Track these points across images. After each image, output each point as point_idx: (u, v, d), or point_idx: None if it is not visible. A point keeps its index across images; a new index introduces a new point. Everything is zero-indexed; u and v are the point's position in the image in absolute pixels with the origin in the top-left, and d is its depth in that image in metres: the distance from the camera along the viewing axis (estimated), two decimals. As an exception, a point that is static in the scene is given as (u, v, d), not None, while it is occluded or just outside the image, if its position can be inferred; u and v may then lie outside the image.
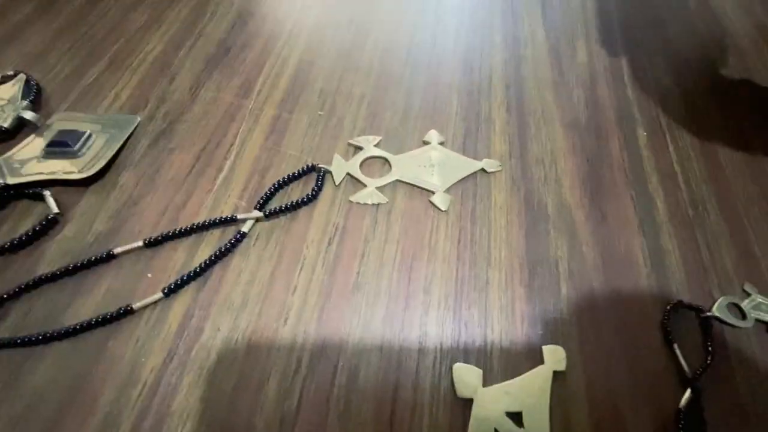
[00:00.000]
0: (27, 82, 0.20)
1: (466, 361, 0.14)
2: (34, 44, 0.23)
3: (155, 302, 0.15)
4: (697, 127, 0.21)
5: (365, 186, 0.18)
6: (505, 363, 0.14)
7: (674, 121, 0.21)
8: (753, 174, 0.19)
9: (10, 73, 0.21)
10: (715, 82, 0.23)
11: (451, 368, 0.14)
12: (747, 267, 0.17)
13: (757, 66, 0.24)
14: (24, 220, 0.17)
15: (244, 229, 0.16)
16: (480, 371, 0.13)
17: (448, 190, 0.18)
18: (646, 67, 0.23)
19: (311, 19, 0.25)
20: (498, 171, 0.19)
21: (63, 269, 0.15)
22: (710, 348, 0.14)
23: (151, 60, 0.23)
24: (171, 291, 0.15)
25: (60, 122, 0.19)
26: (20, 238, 0.16)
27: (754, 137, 0.21)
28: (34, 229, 0.16)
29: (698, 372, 0.14)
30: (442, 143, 0.19)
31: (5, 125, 0.18)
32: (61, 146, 0.18)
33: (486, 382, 0.13)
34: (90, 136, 0.18)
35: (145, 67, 0.22)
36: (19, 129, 0.19)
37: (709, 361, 0.14)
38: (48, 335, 0.14)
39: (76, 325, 0.14)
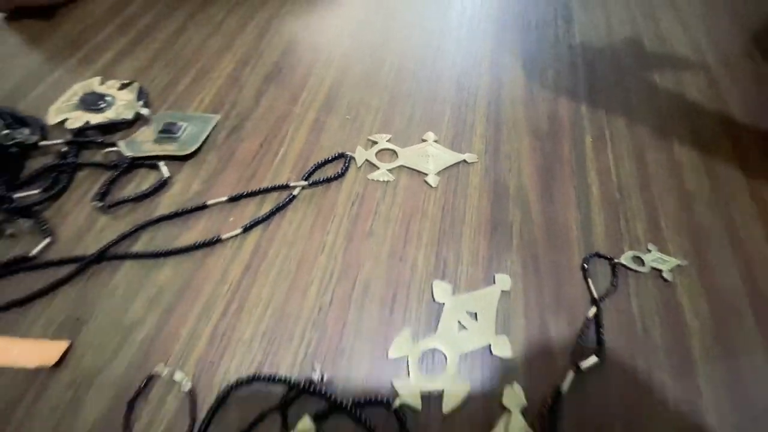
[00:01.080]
0: (139, 88, 0.28)
1: (441, 281, 0.20)
2: (140, 61, 0.31)
3: (236, 235, 0.22)
4: (632, 137, 0.27)
5: (378, 168, 0.25)
6: (468, 284, 0.20)
7: (615, 131, 0.28)
8: (672, 171, 0.26)
9: (127, 81, 0.29)
10: (653, 104, 0.30)
11: (431, 284, 0.20)
12: (653, 234, 0.23)
13: (692, 92, 0.30)
14: (145, 181, 0.24)
15: (294, 192, 0.23)
16: (450, 286, 0.20)
17: (438, 174, 0.25)
18: (599, 90, 0.30)
19: (341, 49, 0.33)
20: (475, 162, 0.25)
21: (174, 213, 0.22)
22: (614, 283, 0.21)
23: (225, 75, 0.30)
24: (246, 229, 0.22)
25: (163, 117, 0.27)
26: (144, 193, 0.23)
27: (678, 145, 0.27)
28: (153, 188, 0.23)
29: (603, 296, 0.20)
30: (436, 141, 0.26)
31: (129, 118, 0.26)
32: (167, 133, 0.25)
33: (454, 293, 0.20)
34: (186, 127, 0.26)
35: (221, 80, 0.30)
36: (136, 121, 0.27)
37: (612, 290, 0.20)
38: (167, 252, 0.21)
39: (185, 247, 0.21)
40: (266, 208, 0.23)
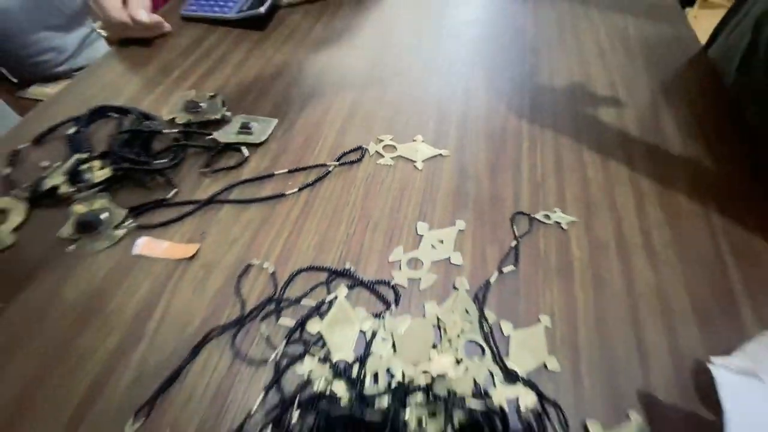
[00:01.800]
0: (222, 99, 0.41)
1: (422, 222, 0.33)
2: (218, 81, 0.44)
3: (293, 192, 0.34)
4: (555, 145, 0.41)
5: (384, 157, 0.38)
6: (438, 225, 0.33)
7: (544, 140, 0.41)
8: (580, 167, 0.39)
9: (212, 94, 0.42)
10: (573, 124, 0.43)
11: (416, 224, 0.33)
12: (560, 203, 0.35)
13: (603, 117, 0.44)
14: (232, 159, 0.36)
15: (329, 169, 0.36)
16: (427, 225, 0.33)
17: (423, 162, 0.37)
18: (537, 113, 0.44)
19: (359, 77, 0.46)
20: (448, 155, 0.38)
21: (251, 179, 0.35)
22: (529, 230, 0.33)
23: (278, 93, 0.43)
24: (300, 189, 0.34)
25: (240, 119, 0.40)
26: (232, 166, 0.35)
27: (587, 150, 0.40)
28: (238, 163, 0.36)
29: (522, 235, 0.33)
30: (423, 141, 0.39)
31: (217, 117, 0.39)
32: (245, 128, 0.38)
33: (429, 230, 0.32)
34: (256, 126, 0.39)
35: (276, 97, 0.43)
36: (221, 121, 0.39)
37: (527, 232, 0.33)
38: (251, 200, 0.33)
39: (262, 197, 0.33)
40: (311, 178, 0.35)
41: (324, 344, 0.25)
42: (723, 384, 0.22)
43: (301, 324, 0.26)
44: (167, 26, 0.48)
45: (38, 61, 0.92)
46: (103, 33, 0.49)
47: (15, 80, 0.94)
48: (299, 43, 0.50)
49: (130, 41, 0.48)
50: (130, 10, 0.43)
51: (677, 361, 0.26)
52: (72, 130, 0.36)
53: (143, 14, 0.44)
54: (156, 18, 0.46)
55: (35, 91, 0.93)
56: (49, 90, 0.93)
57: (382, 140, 0.39)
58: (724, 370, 0.23)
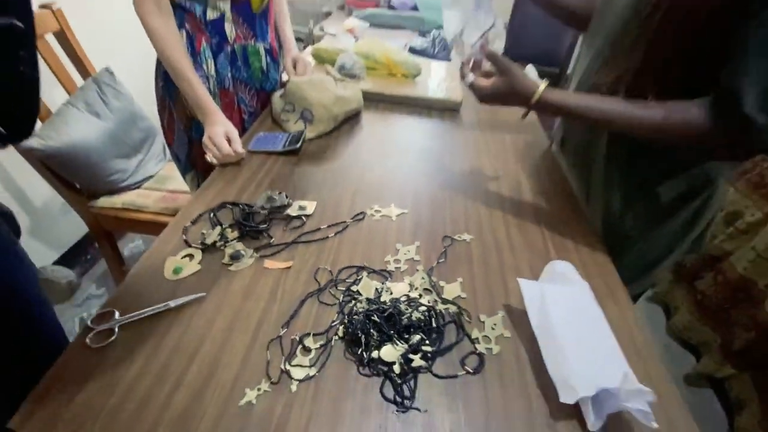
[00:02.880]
0: (285, 193, 0.75)
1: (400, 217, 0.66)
2: (279, 182, 0.79)
3: (332, 236, 0.67)
4: (465, 199, 0.77)
5: (375, 215, 0.72)
6: (406, 244, 0.66)
7: (456, 198, 0.77)
8: (474, 208, 0.74)
9: (279, 191, 0.76)
10: (474, 186, 0.80)
11: (396, 245, 0.66)
12: (466, 229, 0.70)
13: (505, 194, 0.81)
14: (296, 222, 0.69)
15: (348, 223, 0.70)
16: (401, 244, 0.66)
17: (395, 216, 0.72)
18: (456, 186, 0.81)
19: (356, 175, 0.83)
20: (408, 212, 0.73)
21: (310, 231, 0.67)
22: (450, 243, 0.67)
23: (315, 186, 0.79)
24: (335, 234, 0.67)
25: (296, 203, 0.73)
26: (297, 226, 0.68)
27: (481, 199, 0.76)
28: (302, 224, 0.69)
29: (447, 246, 0.66)
30: (394, 206, 0.74)
31: (285, 204, 0.73)
32: (301, 208, 0.72)
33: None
34: (306, 204, 0.73)
35: (313, 189, 0.78)
36: (287, 205, 0.73)
37: (449, 245, 0.67)
38: (310, 240, 0.65)
39: (315, 239, 0.66)
40: (339, 228, 0.68)
41: (360, 294, 0.56)
42: (524, 287, 0.54)
43: (348, 288, 0.57)
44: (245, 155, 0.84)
45: (108, 180, 1.26)
46: (215, 161, 0.83)
47: (85, 193, 1.26)
48: (320, 158, 0.87)
49: (223, 165, 0.83)
50: (234, 147, 0.79)
51: (516, 278, 0.59)
52: (211, 214, 0.68)
53: (241, 149, 0.80)
54: (244, 151, 0.82)
55: (103, 202, 1.25)
56: (115, 200, 1.25)
57: (372, 207, 0.74)
58: (525, 282, 0.55)
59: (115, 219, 1.24)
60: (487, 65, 0.67)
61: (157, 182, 1.32)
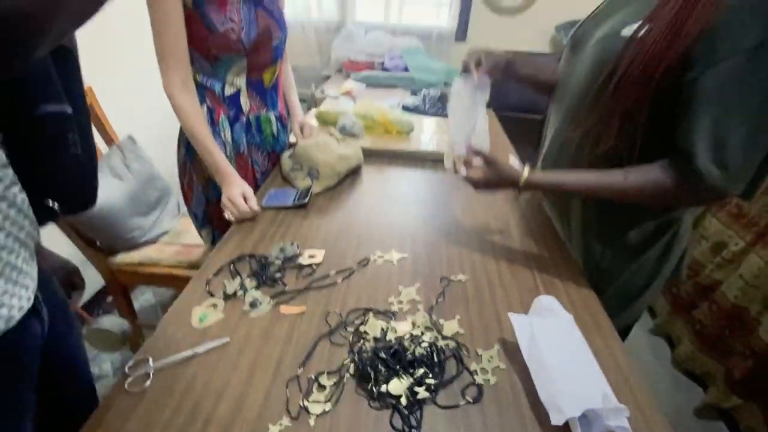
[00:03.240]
0: (297, 244, 0.83)
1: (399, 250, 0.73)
2: (291, 234, 0.87)
3: (340, 282, 0.74)
4: (459, 245, 0.84)
5: (377, 260, 0.80)
6: (407, 285, 0.73)
7: (452, 244, 0.85)
8: (468, 252, 0.82)
9: (291, 242, 0.84)
10: (467, 235, 0.88)
11: (398, 287, 0.73)
12: (461, 271, 0.77)
13: (495, 240, 0.90)
14: (308, 269, 0.77)
15: (354, 269, 0.77)
16: (403, 286, 0.73)
17: (396, 260, 0.79)
18: (453, 236, 0.89)
19: (361, 222, 0.91)
20: (407, 256, 0.81)
21: (320, 277, 0.75)
22: (447, 284, 0.74)
23: (321, 236, 0.87)
24: (342, 279, 0.74)
25: (307, 251, 0.81)
26: (309, 273, 0.76)
27: (476, 246, 0.84)
28: (312, 271, 0.76)
29: (445, 287, 0.73)
30: (395, 250, 0.82)
31: (296, 253, 0.80)
32: (311, 256, 0.79)
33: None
34: (315, 252, 0.80)
35: (320, 238, 0.86)
36: (299, 254, 0.81)
37: (446, 285, 0.73)
38: (321, 286, 0.72)
39: (326, 285, 0.73)
40: (347, 273, 0.76)
41: (367, 333, 0.62)
42: (515, 321, 0.61)
43: (356, 329, 0.63)
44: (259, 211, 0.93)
45: (127, 237, 1.34)
46: (232, 218, 0.92)
47: (104, 250, 1.33)
48: (326, 210, 0.96)
49: (244, 220, 0.92)
50: (250, 205, 0.89)
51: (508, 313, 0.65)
52: (231, 266, 0.76)
53: (256, 206, 0.89)
54: (258, 208, 0.91)
55: (122, 258, 1.32)
56: (133, 255, 1.33)
57: (375, 253, 0.81)
58: (515, 316, 0.62)
59: (132, 273, 1.31)
60: (476, 161, 0.77)
61: (172, 237, 1.41)
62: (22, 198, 0.42)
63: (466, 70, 0.86)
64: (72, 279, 0.64)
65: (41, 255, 0.48)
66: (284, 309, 0.68)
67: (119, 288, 1.38)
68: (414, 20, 2.30)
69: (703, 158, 0.56)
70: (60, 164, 0.48)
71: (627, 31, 0.62)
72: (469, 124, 0.82)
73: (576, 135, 0.74)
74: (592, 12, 0.76)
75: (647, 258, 0.78)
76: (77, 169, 0.49)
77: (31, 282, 0.43)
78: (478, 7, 2.24)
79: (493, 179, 0.75)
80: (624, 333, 0.93)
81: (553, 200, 0.93)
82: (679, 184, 0.60)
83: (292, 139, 1.19)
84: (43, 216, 0.46)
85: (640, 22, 0.60)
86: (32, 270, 0.44)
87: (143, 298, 1.83)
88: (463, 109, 0.83)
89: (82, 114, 0.51)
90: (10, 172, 0.41)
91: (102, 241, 1.33)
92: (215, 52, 0.91)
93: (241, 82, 0.99)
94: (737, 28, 0.53)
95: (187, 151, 1.03)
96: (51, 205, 0.47)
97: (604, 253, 0.80)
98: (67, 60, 0.48)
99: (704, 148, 0.56)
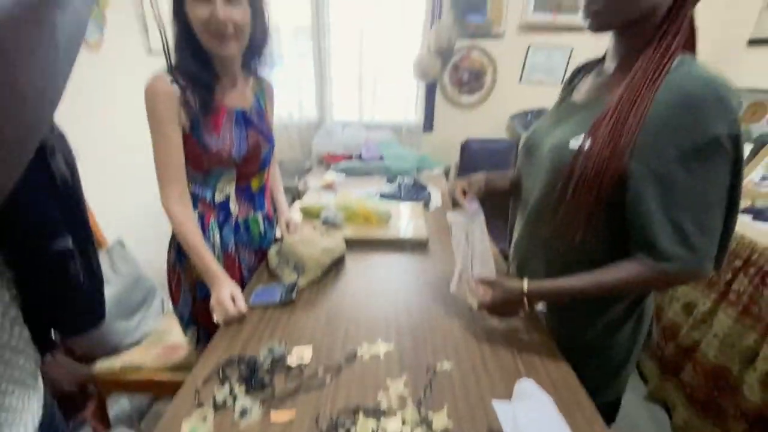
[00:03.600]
0: (285, 341, 0.85)
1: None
2: (279, 331, 0.90)
3: (329, 383, 0.76)
4: (444, 338, 0.88)
5: (365, 353, 0.82)
6: (395, 377, 0.75)
7: (435, 335, 0.89)
8: (453, 345, 0.86)
9: (278, 341, 0.86)
10: (450, 328, 0.92)
11: (385, 380, 0.75)
12: (447, 359, 0.80)
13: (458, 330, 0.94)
14: (296, 371, 0.78)
15: (342, 365, 0.79)
16: (389, 378, 0.75)
17: (384, 353, 0.82)
18: (435, 324, 0.93)
19: (347, 317, 0.95)
20: (392, 348, 0.84)
21: (308, 380, 0.76)
22: (434, 374, 0.77)
23: (309, 332, 0.89)
24: (330, 379, 0.76)
25: (294, 350, 0.83)
26: (296, 374, 0.77)
27: (463, 339, 0.88)
28: (300, 372, 0.78)
29: (431, 378, 0.76)
30: (381, 341, 0.85)
31: (282, 354, 0.82)
32: (299, 356, 0.81)
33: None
34: (305, 349, 0.82)
35: (307, 333, 0.89)
36: (285, 354, 0.83)
37: (433, 376, 0.76)
38: (310, 388, 0.74)
39: (315, 386, 0.74)
40: (335, 370, 0.78)
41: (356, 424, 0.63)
42: (498, 409, 0.63)
43: (344, 423, 0.64)
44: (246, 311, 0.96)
45: (110, 343, 1.32)
46: (220, 321, 0.94)
47: (82, 358, 1.29)
48: (312, 305, 1.00)
49: (228, 322, 0.94)
50: (238, 306, 0.92)
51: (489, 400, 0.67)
52: (220, 373, 0.77)
53: (244, 307, 0.92)
54: (246, 308, 0.94)
55: (102, 366, 1.28)
56: (114, 362, 1.29)
57: (362, 346, 0.84)
58: (499, 404, 0.64)
59: (113, 382, 1.26)
60: (480, 288, 0.86)
61: (155, 338, 1.39)
62: (18, 336, 0.44)
63: (455, 204, 0.94)
64: (86, 387, 0.63)
65: (52, 367, 0.49)
66: (274, 417, 0.68)
67: (95, 397, 1.31)
68: (385, 117, 2.57)
69: (668, 246, 0.62)
70: (62, 295, 0.51)
71: (574, 143, 0.70)
72: (477, 249, 0.88)
73: (546, 234, 0.81)
74: (541, 120, 0.90)
75: (624, 330, 0.83)
76: (81, 296, 0.52)
77: (31, 418, 0.44)
78: (440, 103, 2.54)
79: (499, 296, 0.81)
80: (614, 406, 0.94)
81: (530, 275, 0.98)
82: (660, 272, 0.65)
83: (278, 233, 1.27)
84: (45, 347, 0.49)
85: (583, 135, 0.69)
86: (32, 403, 0.46)
87: (117, 406, 1.71)
88: (464, 240, 0.89)
89: (85, 243, 0.56)
90: (12, 311, 0.44)
91: (81, 349, 1.30)
92: (207, 166, 1.01)
93: (230, 189, 1.09)
94: (661, 142, 0.62)
95: (177, 254, 1.08)
96: (54, 338, 0.50)
97: (587, 329, 0.84)
98: (68, 194, 0.53)
99: (666, 238, 0.63)
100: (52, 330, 0.52)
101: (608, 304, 0.82)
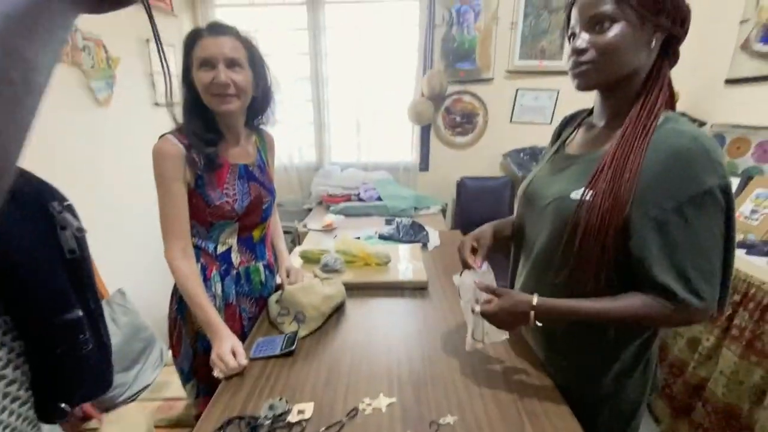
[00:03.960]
0: (285, 399, 0.85)
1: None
2: (280, 385, 0.89)
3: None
4: (453, 383, 0.88)
5: (366, 409, 0.81)
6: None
7: (438, 385, 0.88)
8: (456, 394, 0.85)
9: (279, 397, 0.85)
10: (451, 370, 0.92)
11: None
12: (450, 413, 0.79)
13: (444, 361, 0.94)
14: (298, 427, 0.77)
15: (344, 421, 0.78)
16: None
17: (386, 406, 0.81)
18: (436, 373, 0.93)
19: (348, 366, 0.94)
20: (396, 402, 0.83)
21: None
22: (438, 429, 0.76)
23: (310, 387, 0.89)
24: (334, 434, 0.75)
25: (296, 407, 0.82)
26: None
27: (463, 384, 0.88)
28: (302, 429, 0.77)
29: None
30: (383, 395, 0.84)
31: (284, 410, 0.81)
32: (300, 412, 0.80)
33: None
34: (306, 407, 0.82)
35: (308, 387, 0.88)
36: (287, 411, 0.82)
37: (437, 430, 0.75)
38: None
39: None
40: (337, 428, 0.77)
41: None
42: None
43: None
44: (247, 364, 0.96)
45: (107, 398, 1.29)
46: (221, 376, 0.94)
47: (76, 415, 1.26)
48: (313, 356, 0.99)
49: (233, 375, 0.93)
50: (239, 360, 0.91)
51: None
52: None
53: (245, 361, 0.92)
54: (247, 362, 0.94)
55: (98, 424, 1.25)
56: (110, 418, 1.26)
57: (363, 401, 0.83)
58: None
59: (109, 441, 1.22)
60: (484, 296, 0.85)
61: (153, 391, 1.36)
62: (17, 415, 0.44)
63: (465, 265, 0.91)
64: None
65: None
66: (276, 479, 0.67)
67: (90, 459, 1.27)
68: (382, 158, 2.65)
69: (675, 288, 0.65)
70: (71, 365, 0.52)
71: (575, 195, 0.73)
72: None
73: (553, 277, 0.80)
74: (537, 169, 0.93)
75: (635, 377, 0.83)
76: (90, 366, 0.54)
77: None
78: (435, 144, 2.63)
79: (507, 305, 0.78)
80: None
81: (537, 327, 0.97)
82: (668, 309, 0.68)
83: (278, 280, 1.28)
84: (54, 416, 0.49)
85: (584, 189, 0.71)
86: None
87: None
88: (474, 301, 0.87)
89: (93, 313, 0.58)
90: (12, 389, 0.44)
91: (78, 406, 1.27)
92: (211, 219, 1.04)
93: (232, 240, 1.11)
94: (658, 193, 0.65)
95: (179, 307, 1.09)
96: (63, 407, 0.51)
97: (603, 375, 0.83)
98: (79, 268, 0.55)
99: (672, 281, 0.66)
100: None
101: (619, 348, 0.82)
